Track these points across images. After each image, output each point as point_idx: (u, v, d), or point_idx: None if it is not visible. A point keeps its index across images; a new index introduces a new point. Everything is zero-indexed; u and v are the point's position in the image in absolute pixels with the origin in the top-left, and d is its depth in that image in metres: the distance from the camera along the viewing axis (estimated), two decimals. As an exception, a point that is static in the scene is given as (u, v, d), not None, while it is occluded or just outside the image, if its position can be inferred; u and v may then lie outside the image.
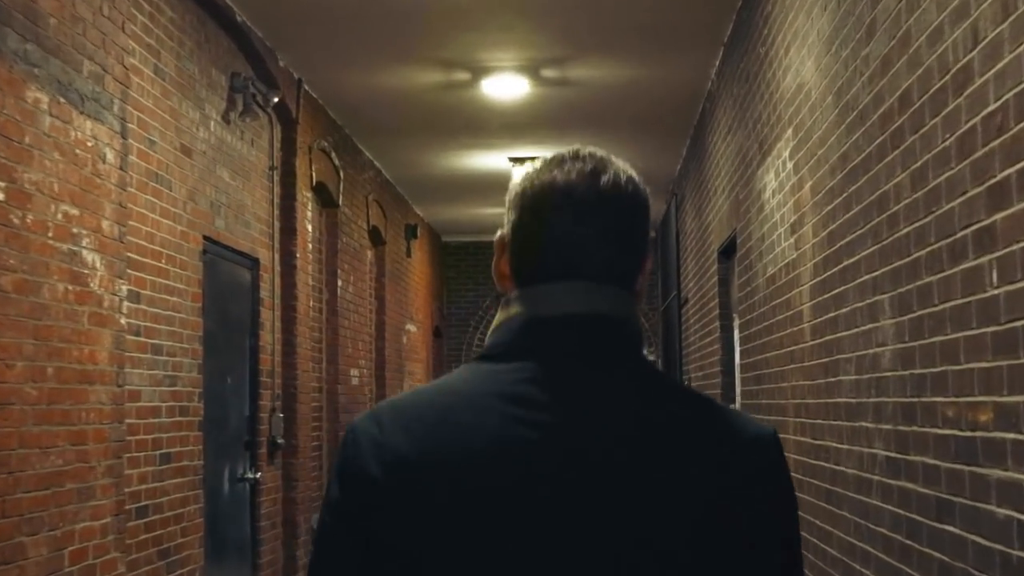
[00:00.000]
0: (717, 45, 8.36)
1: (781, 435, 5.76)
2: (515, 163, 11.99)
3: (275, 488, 8.61)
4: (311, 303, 9.54)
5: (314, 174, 9.51)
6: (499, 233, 1.57)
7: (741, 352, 7.84)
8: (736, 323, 8.35)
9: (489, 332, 1.54)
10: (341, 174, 10.49)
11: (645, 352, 1.55)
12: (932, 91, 3.36)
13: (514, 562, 1.40)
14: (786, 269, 5.90)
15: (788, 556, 1.48)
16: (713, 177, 9.23)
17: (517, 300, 1.51)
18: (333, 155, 10.20)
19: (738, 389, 8.23)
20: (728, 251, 8.73)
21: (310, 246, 9.50)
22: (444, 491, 1.41)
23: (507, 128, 10.77)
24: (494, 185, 13.24)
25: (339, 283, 10.48)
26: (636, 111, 10.26)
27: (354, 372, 11.09)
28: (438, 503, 1.41)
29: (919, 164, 3.50)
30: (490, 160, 12.08)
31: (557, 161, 1.53)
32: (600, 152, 1.54)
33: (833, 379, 4.80)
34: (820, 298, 5.04)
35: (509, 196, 1.55)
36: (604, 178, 1.50)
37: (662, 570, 1.39)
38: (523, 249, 1.52)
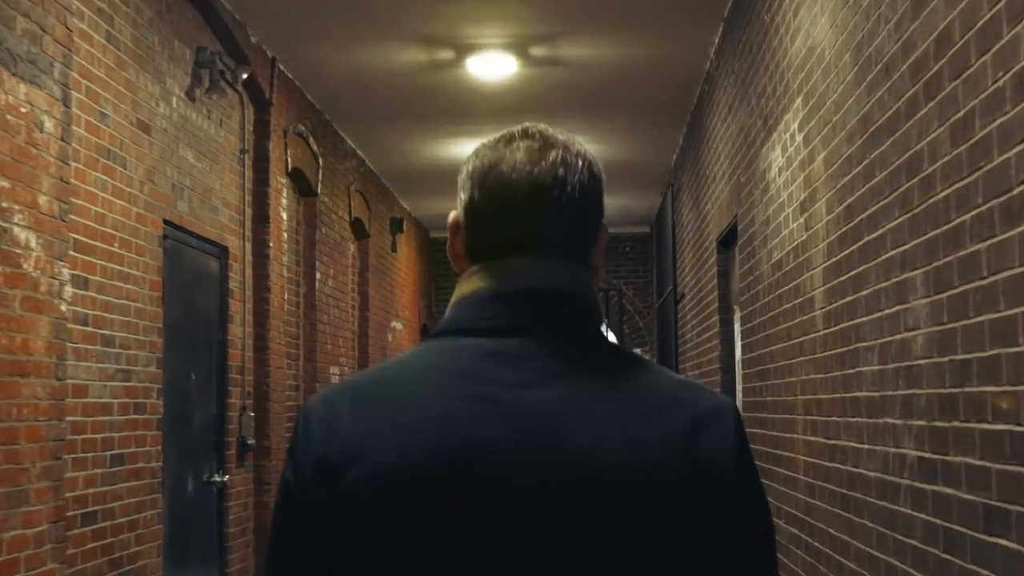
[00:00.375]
0: (716, 21, 7.85)
1: (789, 434, 5.10)
2: (504, 152, 11.47)
3: (245, 492, 8.08)
4: (286, 296, 9.02)
5: (290, 159, 8.98)
6: (452, 214, 1.56)
7: (743, 347, 7.32)
8: (737, 316, 7.84)
9: (448, 307, 1.53)
10: (320, 161, 9.96)
11: (603, 326, 1.54)
12: (979, 24, 2.85)
13: (474, 541, 1.38)
14: (794, 252, 5.39)
15: (762, 523, 1.48)
16: (712, 162, 8.72)
17: (474, 275, 1.51)
18: (311, 141, 9.68)
19: (739, 386, 7.72)
20: (728, 240, 8.22)
21: (285, 235, 8.98)
22: (400, 470, 1.39)
23: (494, 113, 10.26)
24: (483, 176, 12.75)
25: (317, 276, 9.95)
26: (631, 93, 9.75)
27: (334, 370, 10.57)
28: (393, 482, 1.39)
29: (961, 114, 2.99)
30: (478, 149, 11.56)
31: (506, 139, 1.54)
32: (549, 129, 1.55)
33: (851, 371, 4.28)
34: (835, 281, 4.53)
35: (460, 176, 1.55)
36: (553, 153, 1.51)
37: (633, 548, 1.38)
38: (477, 227, 1.52)
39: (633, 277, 16.97)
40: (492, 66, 8.70)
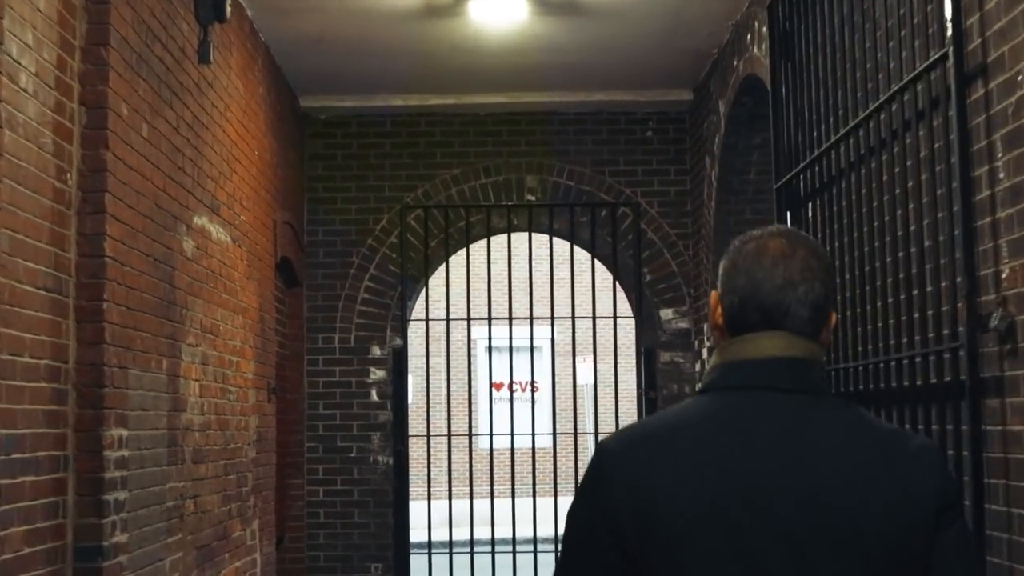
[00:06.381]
0: None
1: None
2: None
3: None
4: None
5: None
6: (713, 293, 2.13)
7: None
8: None
9: (707, 371, 2.09)
10: None
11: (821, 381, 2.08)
12: None
13: (749, 561, 1.93)
14: None
15: (969, 539, 2.04)
16: None
17: (735, 345, 2.08)
18: None
19: None
20: None
21: None
22: (693, 503, 1.95)
23: None
24: None
25: None
26: None
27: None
28: (684, 514, 1.95)
29: None
30: None
31: (764, 236, 2.10)
32: (792, 230, 2.17)
33: None
34: None
35: (722, 263, 2.11)
36: (801, 251, 2.07)
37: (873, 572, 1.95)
38: (736, 308, 2.08)
39: (659, 184, 9.73)
40: None
